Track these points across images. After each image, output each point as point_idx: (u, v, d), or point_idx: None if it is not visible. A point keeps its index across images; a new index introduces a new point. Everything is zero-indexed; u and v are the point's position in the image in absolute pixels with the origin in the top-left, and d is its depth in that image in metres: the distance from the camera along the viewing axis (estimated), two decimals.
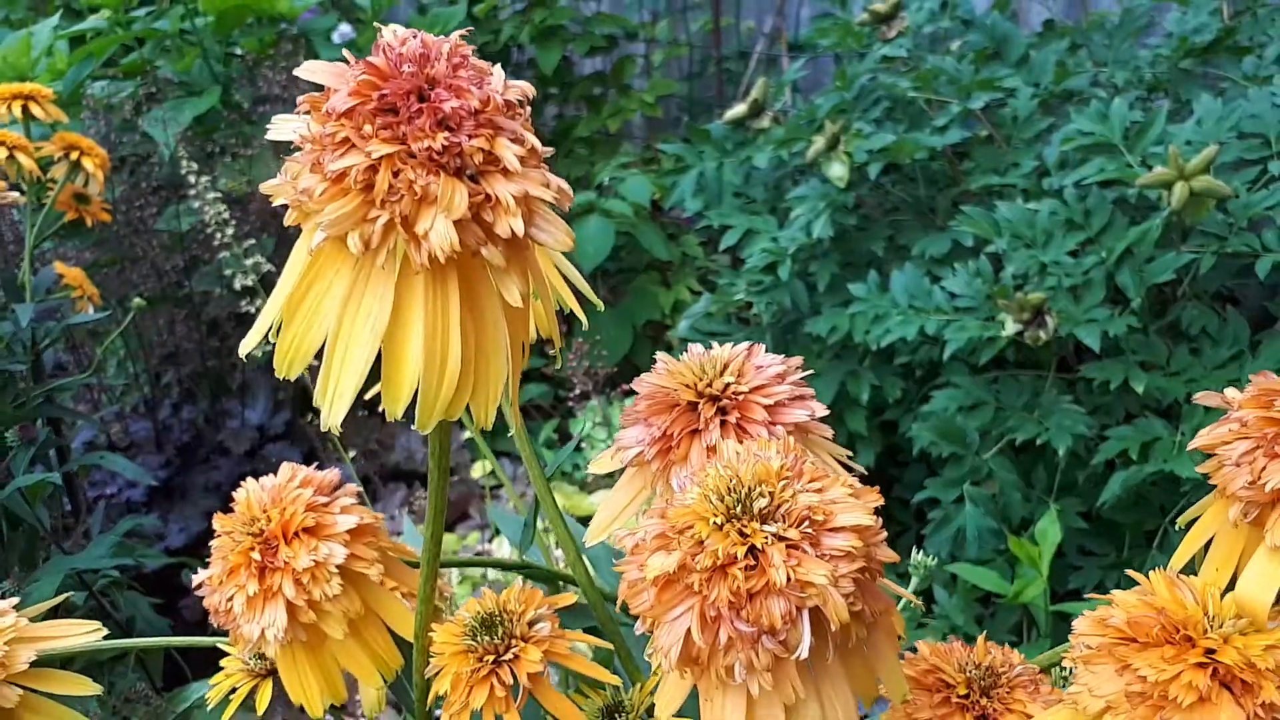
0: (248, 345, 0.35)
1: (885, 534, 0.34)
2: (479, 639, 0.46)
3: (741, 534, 0.33)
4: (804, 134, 1.69)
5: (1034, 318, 1.32)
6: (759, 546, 0.32)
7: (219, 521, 0.48)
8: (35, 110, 1.29)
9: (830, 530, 0.33)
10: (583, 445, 1.80)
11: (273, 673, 0.61)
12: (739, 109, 1.87)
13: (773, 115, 1.86)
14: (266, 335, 0.35)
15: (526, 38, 2.20)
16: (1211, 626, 0.38)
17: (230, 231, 1.56)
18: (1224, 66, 1.60)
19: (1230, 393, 0.41)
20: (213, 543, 0.48)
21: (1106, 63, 1.67)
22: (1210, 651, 0.38)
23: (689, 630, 0.33)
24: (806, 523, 0.33)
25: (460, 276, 0.33)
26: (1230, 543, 0.41)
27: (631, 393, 0.44)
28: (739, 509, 0.33)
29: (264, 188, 0.33)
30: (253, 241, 1.59)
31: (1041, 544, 1.18)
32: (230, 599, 0.46)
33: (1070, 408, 1.36)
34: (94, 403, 1.79)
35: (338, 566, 0.46)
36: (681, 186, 1.80)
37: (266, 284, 1.64)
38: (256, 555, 0.46)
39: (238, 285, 1.57)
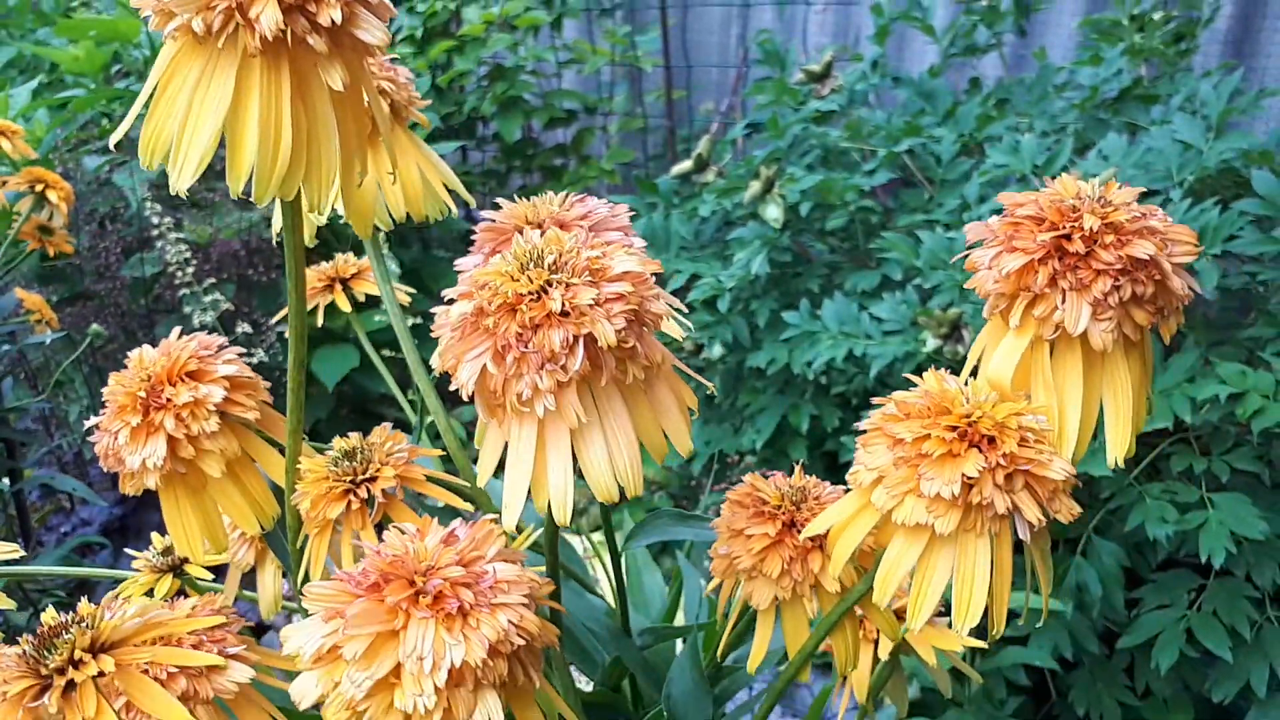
0: (115, 137, 0.41)
1: (659, 289, 0.40)
2: (340, 465, 0.50)
3: (530, 280, 0.38)
4: (743, 183, 1.78)
5: (951, 332, 1.39)
6: (543, 287, 0.38)
7: (113, 378, 0.53)
8: (4, 144, 1.37)
9: (609, 280, 0.39)
10: None
11: (174, 568, 0.65)
12: (685, 165, 1.98)
13: (717, 170, 1.96)
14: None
15: (488, 108, 2.31)
16: (968, 402, 0.44)
17: (191, 271, 1.62)
18: (1134, 115, 1.70)
19: (992, 220, 0.47)
20: (104, 392, 0.53)
21: (1028, 114, 1.77)
22: (967, 417, 0.43)
23: (485, 365, 0.38)
24: (587, 273, 0.39)
25: (292, 71, 0.39)
26: (994, 347, 0.46)
27: None
28: (531, 264, 0.39)
29: (134, 2, 0.40)
30: (212, 281, 1.66)
31: None
32: (116, 434, 0.51)
33: None
34: (54, 447, 1.83)
35: (216, 407, 0.51)
36: None
37: (225, 322, 1.70)
38: (142, 394, 0.51)
39: (196, 322, 1.63)
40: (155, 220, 1.60)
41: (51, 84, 2.44)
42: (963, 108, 1.78)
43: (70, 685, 0.37)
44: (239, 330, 1.68)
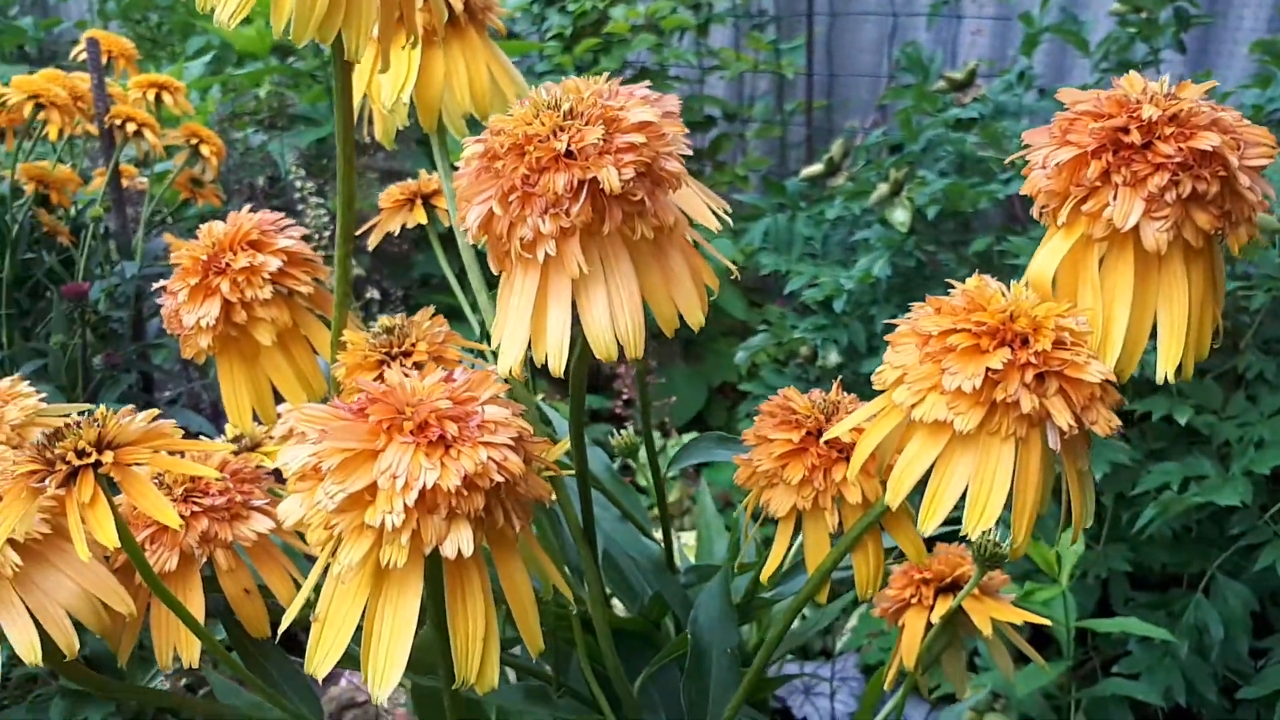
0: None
1: (672, 147, 0.39)
2: (378, 338, 0.51)
3: (541, 123, 0.38)
4: (872, 187, 1.75)
5: None
6: (554, 131, 0.38)
7: (185, 245, 0.56)
8: (166, 98, 1.47)
9: (623, 130, 0.38)
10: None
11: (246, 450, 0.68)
12: (815, 168, 1.95)
13: (848, 174, 1.93)
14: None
15: None
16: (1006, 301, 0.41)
17: (328, 235, 1.70)
18: None
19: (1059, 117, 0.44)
20: (173, 258, 0.55)
21: None
22: (1002, 313, 0.40)
23: (491, 207, 0.38)
24: (602, 122, 0.38)
25: None
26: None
27: None
28: (550, 109, 0.39)
29: None
30: None
31: (1064, 554, 1.14)
32: (177, 294, 0.53)
33: (1114, 442, 1.33)
34: (192, 390, 1.94)
35: (270, 276, 0.53)
36: (752, 233, 1.87)
37: (357, 288, 1.77)
38: (203, 258, 0.53)
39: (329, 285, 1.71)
40: (299, 184, 1.68)
41: (237, 62, 2.61)
42: None
43: (73, 476, 0.38)
44: (368, 295, 1.75)
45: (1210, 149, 0.38)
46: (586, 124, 0.38)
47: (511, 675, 0.65)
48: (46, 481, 0.38)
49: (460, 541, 0.36)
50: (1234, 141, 0.39)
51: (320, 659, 0.37)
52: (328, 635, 0.38)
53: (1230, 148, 0.39)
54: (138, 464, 0.39)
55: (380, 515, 0.35)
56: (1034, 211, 0.43)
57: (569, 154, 0.37)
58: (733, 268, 0.46)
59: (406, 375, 0.40)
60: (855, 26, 2.66)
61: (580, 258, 0.38)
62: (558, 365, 0.38)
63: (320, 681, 0.37)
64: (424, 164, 1.99)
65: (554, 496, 0.47)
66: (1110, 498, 1.34)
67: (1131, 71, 0.42)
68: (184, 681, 1.16)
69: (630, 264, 0.39)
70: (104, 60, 1.48)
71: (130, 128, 1.40)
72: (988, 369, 0.38)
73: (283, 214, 0.56)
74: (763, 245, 1.94)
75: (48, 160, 1.43)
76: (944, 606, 0.64)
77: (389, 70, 0.50)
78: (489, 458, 0.36)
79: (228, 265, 0.53)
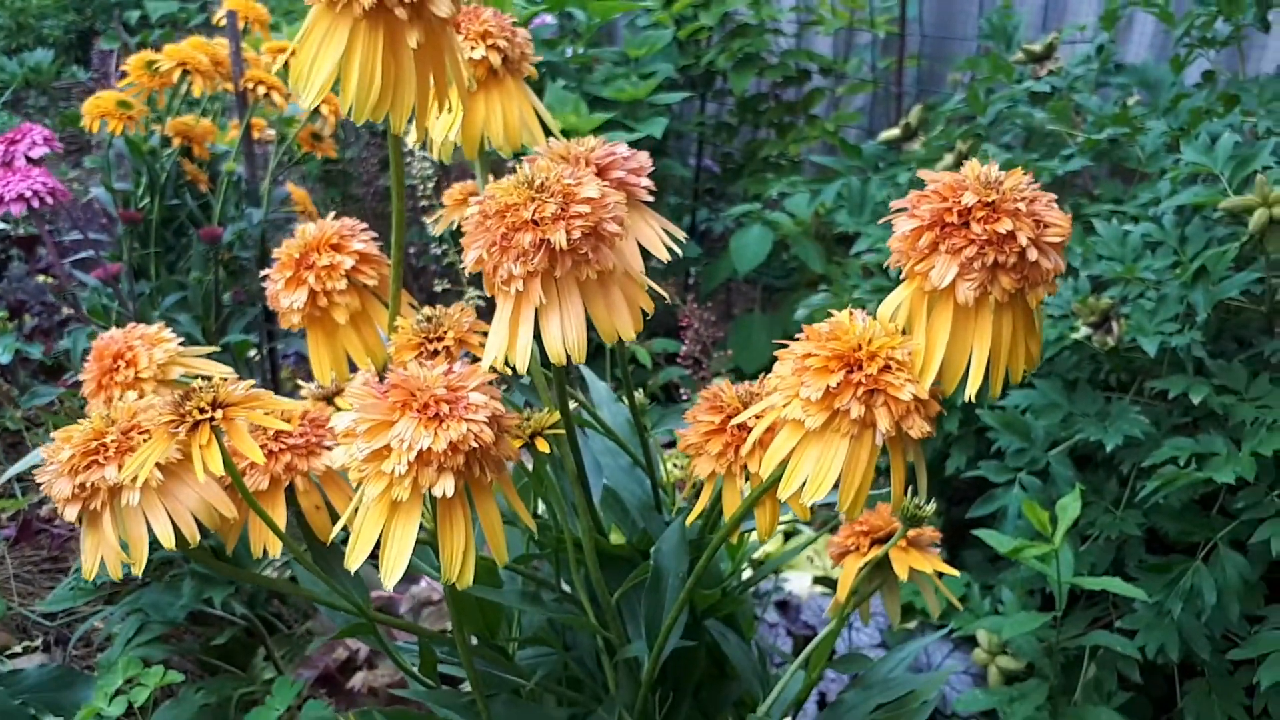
0: (274, 68, 0.59)
1: (613, 211, 0.54)
2: (420, 325, 0.68)
3: (518, 195, 0.54)
4: (941, 154, 1.83)
5: (1102, 322, 1.41)
6: (526, 201, 0.53)
7: (284, 243, 0.73)
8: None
9: (576, 201, 0.53)
10: None
11: (329, 398, 0.86)
12: (893, 131, 2.04)
13: (924, 140, 2.01)
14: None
15: (724, 63, 2.45)
16: (859, 334, 0.55)
17: (432, 186, 1.88)
18: None
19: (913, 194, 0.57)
20: (274, 252, 0.73)
21: (1254, 114, 1.70)
22: (849, 344, 0.54)
23: (481, 254, 0.54)
24: (561, 196, 0.53)
25: (386, 32, 0.56)
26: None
27: None
28: (525, 185, 0.54)
29: None
30: None
31: (1060, 516, 1.26)
32: (276, 282, 0.71)
33: (1135, 418, 1.42)
34: None
35: (346, 271, 0.70)
36: (824, 193, 1.98)
37: (455, 236, 1.96)
38: (297, 256, 0.71)
39: (431, 231, 1.90)
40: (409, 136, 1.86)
41: None
42: (1186, 101, 1.74)
43: (196, 425, 0.56)
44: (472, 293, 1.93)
45: (1005, 231, 0.51)
46: (550, 197, 0.53)
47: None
48: (179, 429, 0.56)
49: (445, 486, 0.53)
50: (1034, 224, 0.52)
51: (354, 559, 0.55)
52: (358, 544, 0.55)
53: (1028, 229, 0.51)
54: (238, 417, 0.57)
55: (391, 465, 0.52)
56: (889, 262, 0.56)
57: (534, 220, 0.53)
58: (665, 295, 0.61)
59: (421, 365, 0.56)
60: None
61: (540, 292, 0.53)
62: (523, 365, 0.54)
63: (392, 586, 0.54)
64: None
65: (548, 450, 0.63)
66: (1129, 467, 1.44)
67: (973, 159, 0.55)
68: (289, 574, 1.39)
69: (579, 297, 0.54)
70: (241, 25, 1.68)
71: (261, 90, 1.59)
72: (828, 385, 0.53)
73: (360, 223, 0.73)
74: (838, 204, 2.04)
75: (191, 115, 1.64)
76: (874, 554, 0.79)
77: (437, 120, 0.66)
78: (468, 430, 0.53)
79: (314, 263, 0.70)
